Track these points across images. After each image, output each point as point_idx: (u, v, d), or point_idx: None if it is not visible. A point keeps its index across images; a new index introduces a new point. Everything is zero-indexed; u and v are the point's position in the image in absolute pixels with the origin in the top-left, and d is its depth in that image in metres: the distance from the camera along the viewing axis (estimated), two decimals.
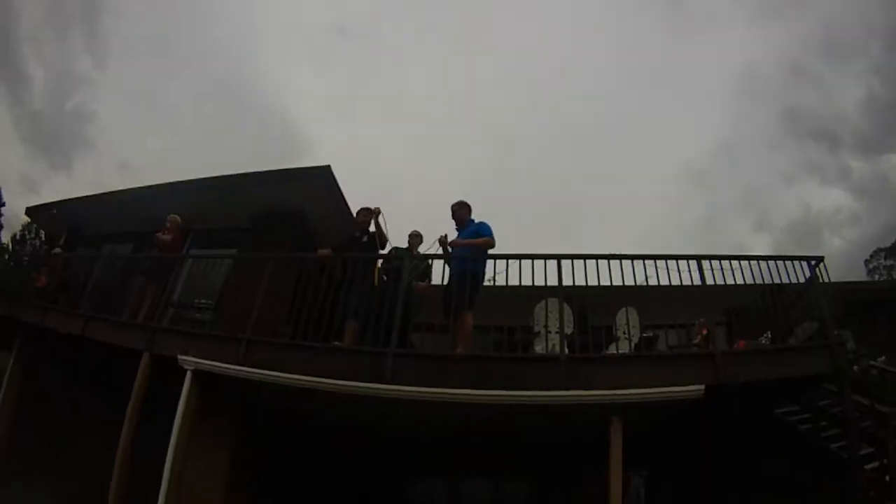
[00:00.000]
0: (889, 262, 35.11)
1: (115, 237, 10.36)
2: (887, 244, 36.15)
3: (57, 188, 57.49)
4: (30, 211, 12.26)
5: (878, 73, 62.86)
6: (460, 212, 6.44)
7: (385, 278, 6.43)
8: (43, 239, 27.30)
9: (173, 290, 7.71)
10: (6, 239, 30.94)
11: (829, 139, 70.74)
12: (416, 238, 6.85)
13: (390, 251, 6.78)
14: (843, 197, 67.82)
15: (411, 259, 6.16)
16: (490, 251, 6.05)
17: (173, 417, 5.82)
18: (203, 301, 7.79)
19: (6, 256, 24.35)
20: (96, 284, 7.94)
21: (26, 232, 29.58)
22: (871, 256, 36.36)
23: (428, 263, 6.62)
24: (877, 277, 33.67)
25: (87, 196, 10.66)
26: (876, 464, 5.77)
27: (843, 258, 50.03)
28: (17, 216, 31.90)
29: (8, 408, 8.52)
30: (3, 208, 31.43)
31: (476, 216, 6.47)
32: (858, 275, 35.23)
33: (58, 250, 9.60)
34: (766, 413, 6.95)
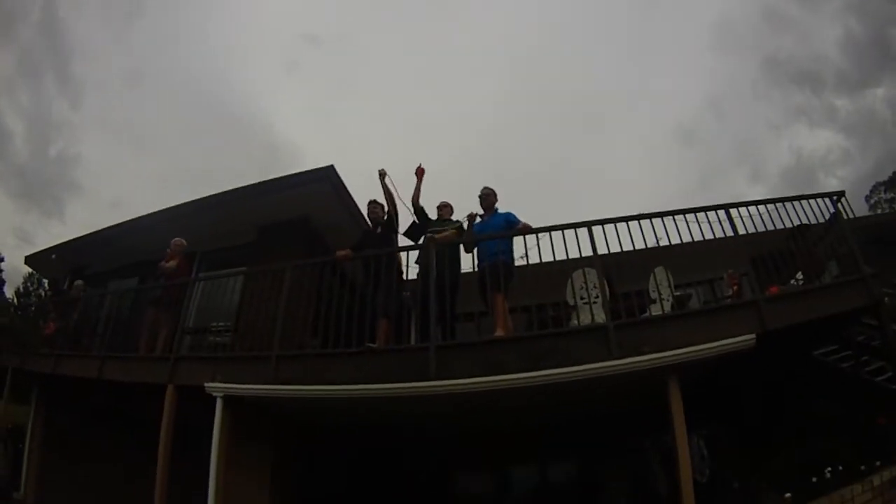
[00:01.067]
0: (889, 196, 35.18)
1: (120, 272, 10.15)
2: (884, 178, 36.28)
3: (53, 235, 57.43)
4: (29, 260, 12.07)
5: (852, 9, 63.02)
6: (489, 198, 6.40)
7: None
8: (46, 288, 27.13)
9: (187, 317, 7.48)
10: (10, 293, 30.77)
11: (811, 81, 71.10)
12: (446, 209, 6.69)
13: (412, 227, 6.57)
14: (833, 137, 68.32)
15: (435, 245, 5.91)
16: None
17: (203, 444, 5.67)
18: (220, 324, 7.55)
19: (12, 310, 24.09)
20: (107, 322, 7.69)
21: (29, 284, 29.39)
22: (870, 192, 36.43)
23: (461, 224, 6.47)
24: (879, 211, 33.82)
25: (84, 235, 10.48)
26: None
27: None
28: (16, 269, 31.92)
29: (34, 457, 8.47)
30: (2, 263, 31.26)
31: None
32: (859, 211, 35.38)
33: (79, 282, 9.42)
34: (807, 356, 6.84)
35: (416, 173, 6.56)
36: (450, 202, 6.74)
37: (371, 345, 5.42)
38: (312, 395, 5.29)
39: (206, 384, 5.73)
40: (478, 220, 6.29)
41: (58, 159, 68.54)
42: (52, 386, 8.33)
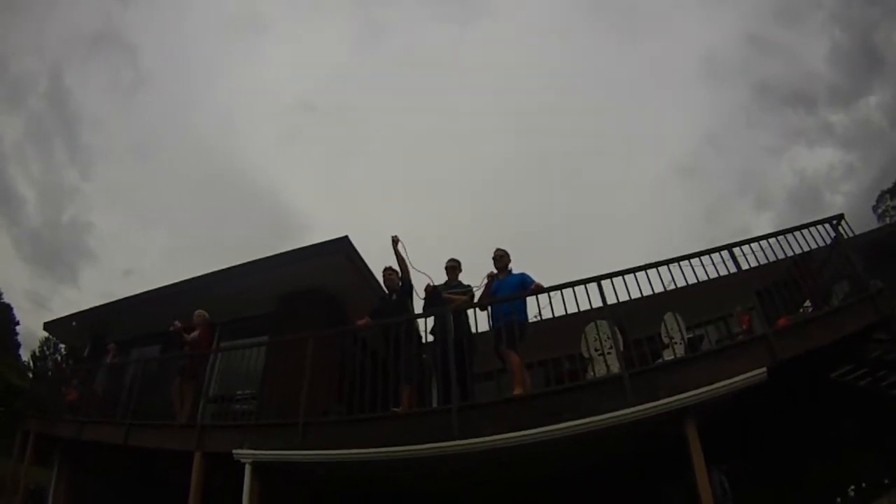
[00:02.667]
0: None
1: (140, 340, 10.34)
2: (888, 185, 36.15)
3: (67, 300, 57.93)
4: (48, 326, 12.29)
5: (836, 20, 63.69)
6: (503, 259, 6.57)
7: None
8: (63, 352, 27.45)
9: (210, 386, 7.75)
10: (26, 357, 31.09)
11: (804, 101, 71.50)
12: (453, 271, 6.84)
13: (428, 290, 6.67)
14: (833, 153, 68.33)
15: (451, 310, 6.09)
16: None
17: None
18: (244, 391, 7.72)
19: (30, 374, 24.36)
20: (133, 390, 7.86)
21: (45, 348, 29.68)
22: (877, 201, 36.40)
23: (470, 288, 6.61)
24: (888, 220, 33.65)
25: (106, 304, 10.80)
26: None
27: (848, 212, 50.18)
28: (32, 333, 32.28)
29: None
30: (17, 327, 31.67)
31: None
32: (869, 223, 35.20)
33: (112, 345, 9.72)
34: (823, 379, 6.90)
35: (392, 245, 6.65)
36: (457, 261, 6.92)
37: (395, 409, 5.58)
38: (340, 460, 5.42)
39: (234, 451, 5.86)
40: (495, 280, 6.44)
41: (70, 226, 69.95)
42: (74, 450, 8.43)
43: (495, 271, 6.48)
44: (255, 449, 5.84)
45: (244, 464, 5.79)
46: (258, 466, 5.77)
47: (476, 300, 6.41)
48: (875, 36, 60.34)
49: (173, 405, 7.45)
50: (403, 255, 6.57)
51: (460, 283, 6.77)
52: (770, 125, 75.84)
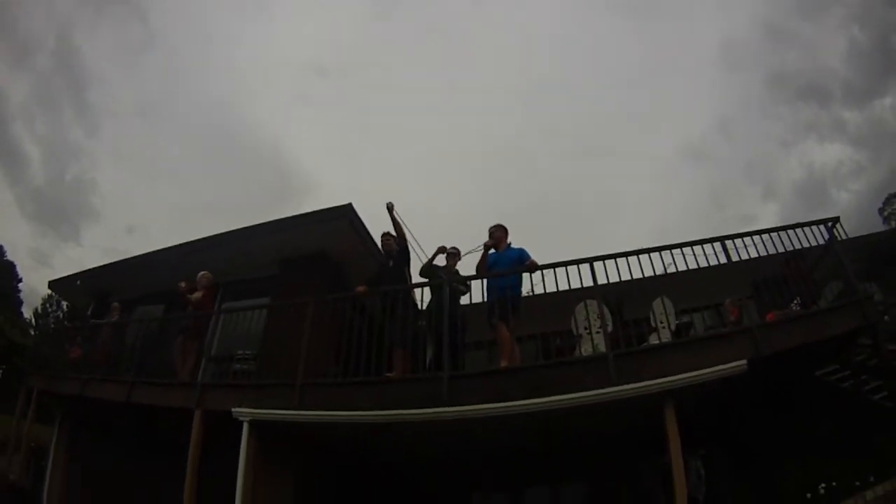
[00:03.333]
0: None
1: (144, 299, 10.44)
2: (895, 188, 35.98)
3: (69, 258, 58.23)
4: (53, 284, 12.38)
5: (856, 19, 63.00)
6: (498, 233, 6.71)
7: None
8: (65, 310, 27.75)
9: (212, 346, 7.89)
10: (28, 314, 31.40)
11: (818, 95, 70.94)
12: (453, 257, 7.01)
13: (425, 268, 6.87)
14: (843, 150, 67.89)
15: (448, 282, 6.30)
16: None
17: (226, 467, 5.99)
18: (244, 352, 7.88)
19: (32, 332, 24.64)
20: (135, 349, 8.06)
21: (48, 305, 29.95)
22: (884, 204, 35.94)
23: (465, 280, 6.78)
24: (893, 223, 33.52)
25: (111, 263, 10.89)
26: None
27: (854, 210, 50.02)
28: (34, 291, 32.50)
29: (57, 475, 8.77)
30: (20, 284, 32.00)
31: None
32: (873, 224, 35.01)
33: (116, 304, 9.73)
34: (808, 376, 7.09)
35: (388, 211, 6.87)
36: (457, 249, 7.07)
37: (389, 374, 5.80)
38: (335, 421, 5.67)
39: (233, 409, 6.08)
40: (492, 251, 6.61)
41: (74, 184, 69.95)
42: (76, 408, 8.60)
43: (491, 242, 6.60)
44: (254, 408, 6.06)
45: (242, 422, 6.02)
46: (256, 424, 6.00)
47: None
48: (895, 38, 59.64)
49: (175, 364, 7.63)
50: (399, 220, 6.78)
51: (458, 272, 6.95)
52: (782, 116, 75.41)
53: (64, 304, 27.91)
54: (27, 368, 9.90)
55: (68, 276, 11.56)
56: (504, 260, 6.48)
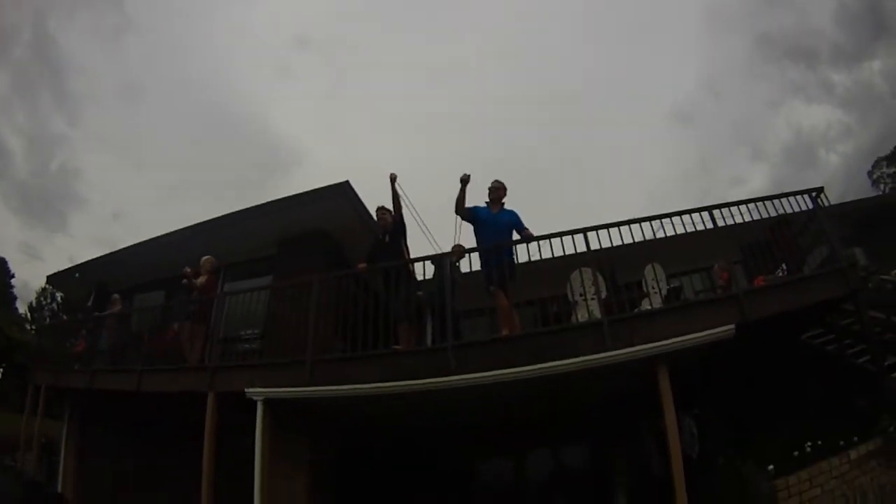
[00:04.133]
0: (892, 170, 35.13)
1: (144, 287, 10.58)
2: (885, 152, 36.19)
3: (59, 248, 57.83)
4: (52, 279, 12.43)
5: None
6: (499, 192, 6.77)
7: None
8: (60, 302, 27.72)
9: (218, 328, 7.94)
10: (23, 309, 31.26)
11: (806, 56, 71.00)
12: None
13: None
14: (832, 112, 68.29)
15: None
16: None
17: (237, 450, 6.23)
18: (249, 332, 8.09)
19: (29, 327, 24.61)
20: (142, 337, 8.19)
21: (42, 299, 29.86)
22: (873, 167, 36.51)
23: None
24: (882, 187, 34.00)
25: (110, 253, 10.97)
26: None
27: (843, 173, 50.49)
28: (25, 285, 32.31)
29: (70, 468, 8.94)
30: (12, 279, 31.81)
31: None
32: (861, 186, 35.39)
33: (116, 296, 9.79)
34: (794, 339, 7.38)
35: (391, 182, 6.91)
36: (463, 246, 7.05)
37: (396, 347, 6.05)
38: (345, 394, 5.87)
39: (246, 389, 6.23)
40: (484, 205, 6.74)
41: (59, 174, 69.02)
42: (84, 402, 8.73)
43: (466, 176, 6.59)
44: (266, 387, 6.23)
45: (256, 401, 6.17)
46: (269, 403, 6.17)
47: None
48: (886, 1, 59.69)
49: (184, 349, 7.75)
50: (400, 192, 6.89)
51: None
52: (770, 77, 75.33)
53: (59, 296, 27.79)
54: (32, 365, 9.99)
55: (67, 269, 11.68)
56: (499, 223, 6.58)
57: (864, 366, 6.58)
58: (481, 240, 6.59)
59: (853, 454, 5.37)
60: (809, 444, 5.51)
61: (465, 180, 6.55)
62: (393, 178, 6.85)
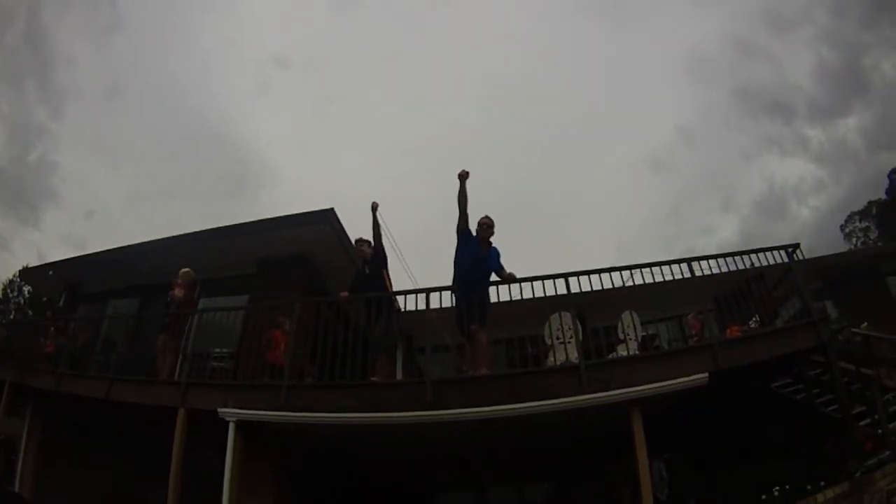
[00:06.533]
0: (864, 225, 35.80)
1: (117, 293, 10.40)
2: (857, 207, 36.99)
3: (28, 241, 56.53)
4: (24, 273, 12.34)
5: (825, 38, 64.83)
6: (491, 230, 6.58)
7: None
8: (27, 296, 27.12)
9: (189, 343, 7.81)
10: None
11: (783, 111, 72.64)
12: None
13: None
14: (805, 166, 69.61)
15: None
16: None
17: (207, 462, 6.12)
18: (221, 350, 7.96)
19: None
20: (114, 345, 8.03)
21: (9, 291, 29.04)
22: (846, 221, 37.04)
23: None
24: (854, 241, 34.81)
25: (86, 255, 10.88)
26: (868, 420, 6.33)
27: (813, 226, 51.59)
28: None
29: (29, 469, 8.52)
30: None
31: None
32: (831, 239, 36.18)
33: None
34: (764, 388, 7.54)
35: (372, 211, 6.88)
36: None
37: (374, 378, 6.04)
38: (320, 422, 5.87)
39: (219, 409, 6.16)
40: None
41: (36, 166, 67.60)
42: (48, 402, 8.47)
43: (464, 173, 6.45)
44: (240, 408, 6.17)
45: (228, 422, 6.10)
46: (241, 424, 6.11)
47: None
48: (864, 60, 61.45)
49: (157, 361, 7.62)
50: (380, 221, 6.87)
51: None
52: (745, 130, 76.89)
53: (27, 290, 27.18)
54: None
55: (41, 266, 11.61)
56: (486, 267, 6.50)
57: (832, 414, 6.72)
58: (464, 273, 6.48)
59: (820, 498, 5.44)
60: (777, 488, 5.60)
61: (463, 176, 6.41)
62: (374, 207, 6.85)
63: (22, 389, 8.48)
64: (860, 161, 56.00)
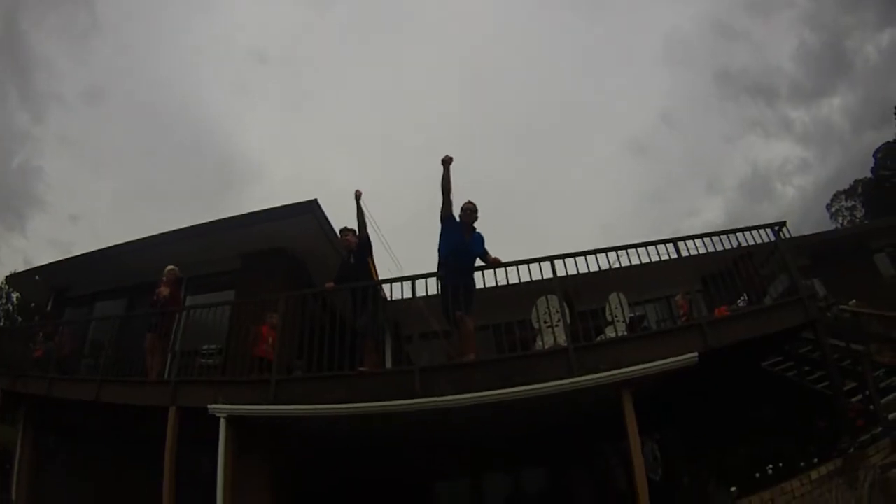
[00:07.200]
0: (850, 203, 36.31)
1: (105, 294, 10.39)
2: (842, 186, 37.56)
3: (14, 248, 56.06)
4: (10, 279, 12.26)
5: (807, 20, 65.12)
6: (475, 214, 6.61)
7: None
8: (15, 303, 26.92)
9: (177, 341, 7.75)
10: None
11: (765, 93, 73.01)
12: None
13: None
14: (789, 147, 70.18)
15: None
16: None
17: (199, 458, 6.15)
18: (209, 347, 7.93)
19: None
20: (102, 346, 7.96)
21: None
22: (832, 200, 37.67)
23: None
24: (840, 220, 35.23)
25: (71, 258, 10.71)
26: (860, 396, 6.38)
27: (799, 207, 52.00)
28: None
29: (24, 478, 8.44)
30: None
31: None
32: (817, 219, 36.58)
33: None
34: (755, 367, 7.57)
35: (355, 199, 6.86)
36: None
37: (362, 369, 6.01)
38: (309, 414, 5.84)
39: (209, 406, 6.11)
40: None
41: (20, 172, 67.00)
42: (40, 408, 8.41)
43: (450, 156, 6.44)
44: (230, 404, 6.13)
45: (219, 418, 6.06)
46: (232, 420, 6.07)
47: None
48: (846, 42, 61.78)
49: (146, 361, 7.58)
50: (364, 209, 6.84)
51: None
52: (728, 112, 77.36)
53: (14, 296, 26.97)
54: None
55: (27, 271, 11.45)
56: (470, 252, 6.49)
57: (823, 391, 6.76)
58: (448, 259, 6.43)
59: (814, 475, 5.47)
60: (770, 465, 5.62)
61: (447, 161, 6.39)
62: (358, 196, 6.83)
63: (13, 396, 8.43)
64: (845, 141, 56.62)
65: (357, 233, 6.96)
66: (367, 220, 6.88)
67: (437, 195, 6.50)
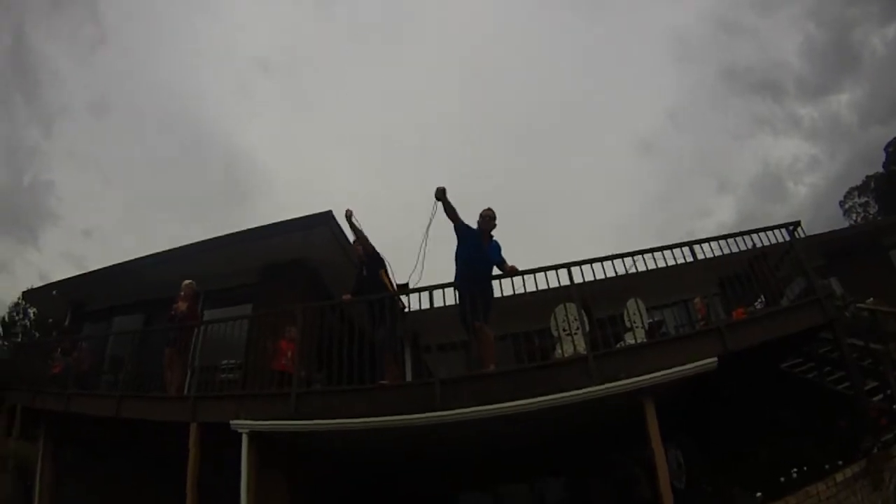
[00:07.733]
0: (863, 200, 35.94)
1: (122, 309, 10.46)
2: (854, 183, 37.18)
3: (28, 262, 56.60)
4: (28, 295, 12.34)
5: (812, 15, 64.69)
6: (493, 222, 6.52)
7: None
8: (33, 318, 27.11)
9: (196, 356, 7.73)
10: None
11: (772, 90, 72.52)
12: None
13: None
14: (799, 145, 69.63)
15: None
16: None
17: (219, 473, 6.10)
18: (229, 361, 7.95)
19: (4, 344, 23.99)
20: (121, 362, 8.02)
21: (14, 314, 29.00)
22: (845, 197, 37.30)
23: None
24: (854, 217, 34.85)
25: (88, 273, 10.87)
26: (881, 395, 6.34)
27: (811, 204, 51.61)
28: None
29: (46, 495, 8.50)
30: None
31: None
32: (830, 216, 36.23)
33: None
34: (774, 369, 7.52)
35: (346, 219, 6.79)
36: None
37: (383, 381, 6.01)
38: (331, 428, 5.83)
39: (231, 421, 6.11)
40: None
41: (31, 187, 67.60)
42: (60, 424, 8.46)
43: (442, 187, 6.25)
44: (251, 419, 6.13)
45: (241, 434, 6.04)
46: (254, 436, 6.07)
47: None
48: (852, 36, 61.25)
49: (165, 376, 7.63)
50: (358, 226, 6.77)
51: None
52: (735, 110, 76.80)
53: (32, 312, 27.19)
54: (6, 383, 9.69)
55: (44, 286, 11.52)
56: (492, 252, 6.42)
57: (843, 391, 6.71)
58: (465, 268, 6.36)
59: (839, 477, 5.42)
60: (795, 469, 5.57)
61: (440, 194, 6.18)
62: (348, 216, 6.75)
63: (33, 413, 8.50)
64: (854, 136, 56.04)
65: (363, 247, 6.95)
66: (366, 236, 6.84)
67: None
